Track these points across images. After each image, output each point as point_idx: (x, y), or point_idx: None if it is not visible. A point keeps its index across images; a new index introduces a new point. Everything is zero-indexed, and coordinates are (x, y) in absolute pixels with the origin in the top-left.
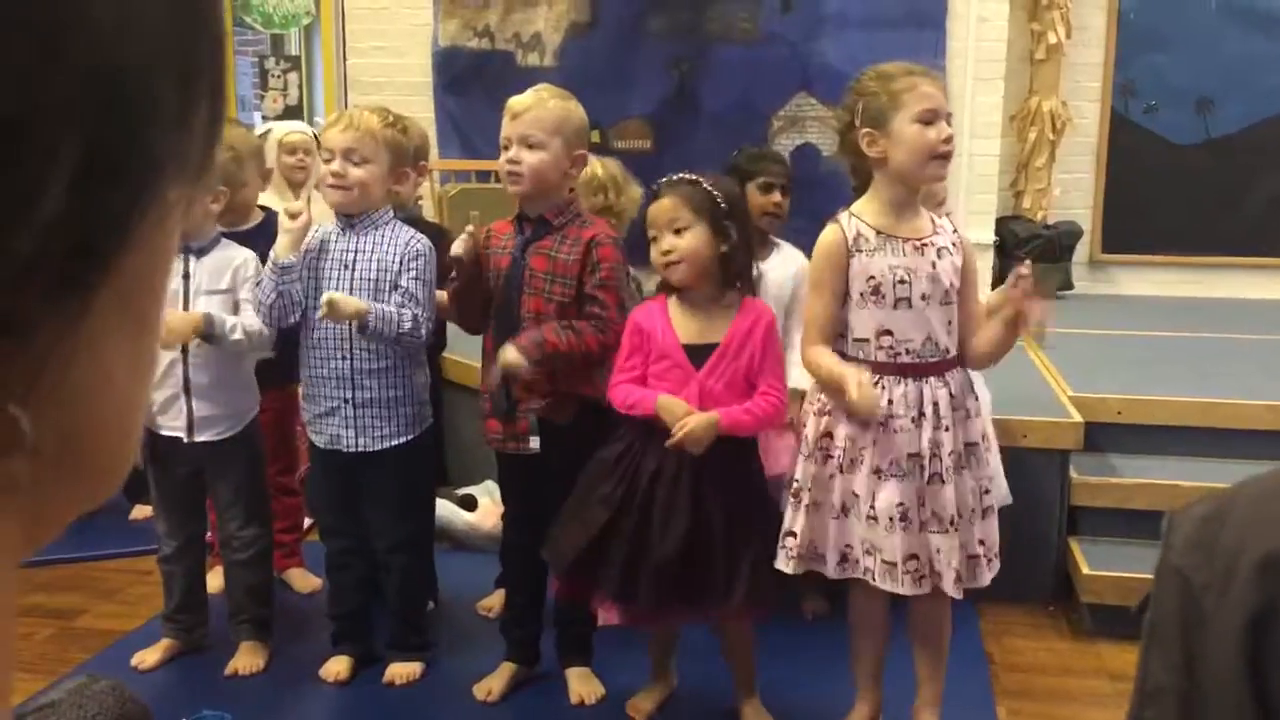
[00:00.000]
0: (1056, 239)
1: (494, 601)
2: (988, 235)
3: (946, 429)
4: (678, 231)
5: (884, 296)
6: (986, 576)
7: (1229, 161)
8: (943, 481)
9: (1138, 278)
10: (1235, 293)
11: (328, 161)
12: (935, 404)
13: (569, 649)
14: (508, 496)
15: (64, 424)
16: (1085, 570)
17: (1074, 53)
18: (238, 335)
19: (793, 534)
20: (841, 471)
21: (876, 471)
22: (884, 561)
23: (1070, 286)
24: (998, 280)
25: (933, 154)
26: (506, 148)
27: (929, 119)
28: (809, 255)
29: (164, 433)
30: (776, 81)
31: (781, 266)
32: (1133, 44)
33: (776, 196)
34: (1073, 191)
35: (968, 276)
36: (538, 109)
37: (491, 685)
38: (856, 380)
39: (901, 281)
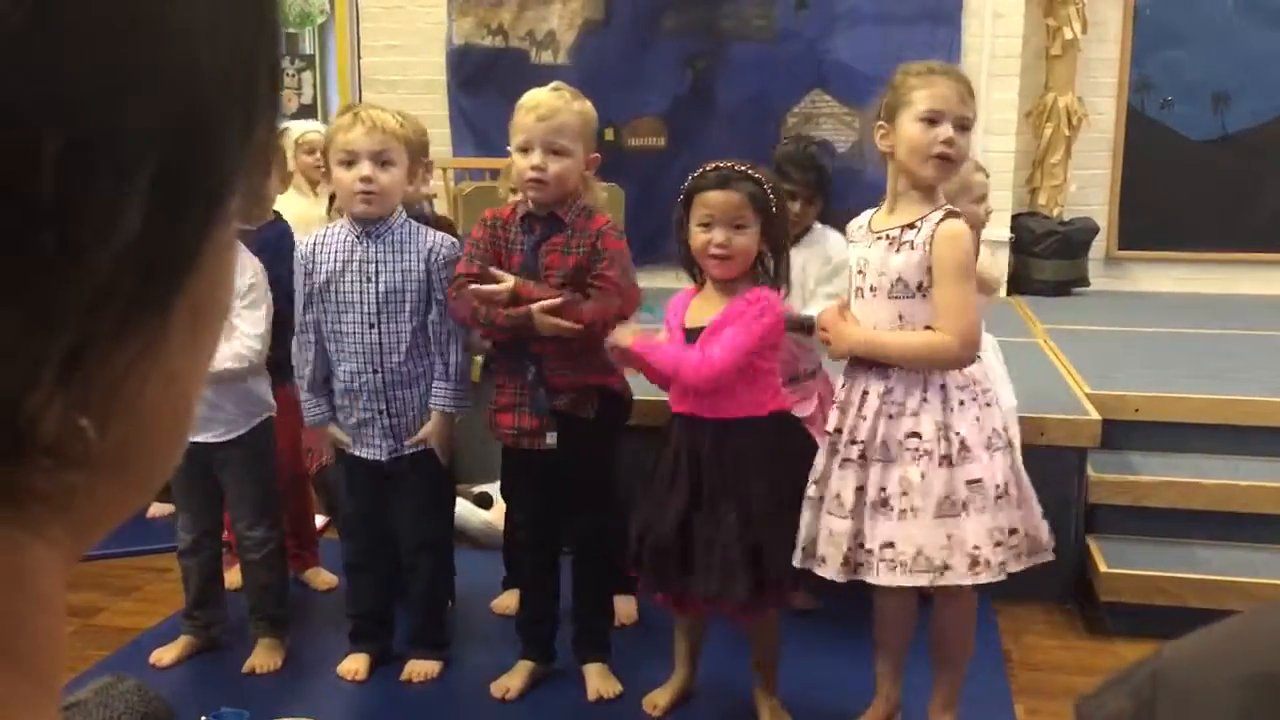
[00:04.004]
0: (1072, 235)
1: (509, 601)
2: (1003, 232)
3: (864, 418)
4: (738, 228)
5: (850, 285)
6: (913, 579)
7: (1245, 157)
8: (843, 467)
9: (1154, 274)
10: (1253, 288)
11: (348, 164)
12: (865, 393)
13: (587, 646)
14: (517, 494)
15: (126, 434)
16: (1103, 568)
17: (1090, 48)
18: (227, 364)
19: (890, 544)
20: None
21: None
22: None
23: (1086, 283)
24: (1014, 277)
25: (928, 154)
26: (526, 150)
27: (932, 119)
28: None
29: None
30: (791, 79)
31: (811, 253)
32: (1149, 39)
33: (796, 206)
34: (1088, 188)
35: (939, 274)
36: (564, 114)
37: (509, 683)
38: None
39: (859, 272)
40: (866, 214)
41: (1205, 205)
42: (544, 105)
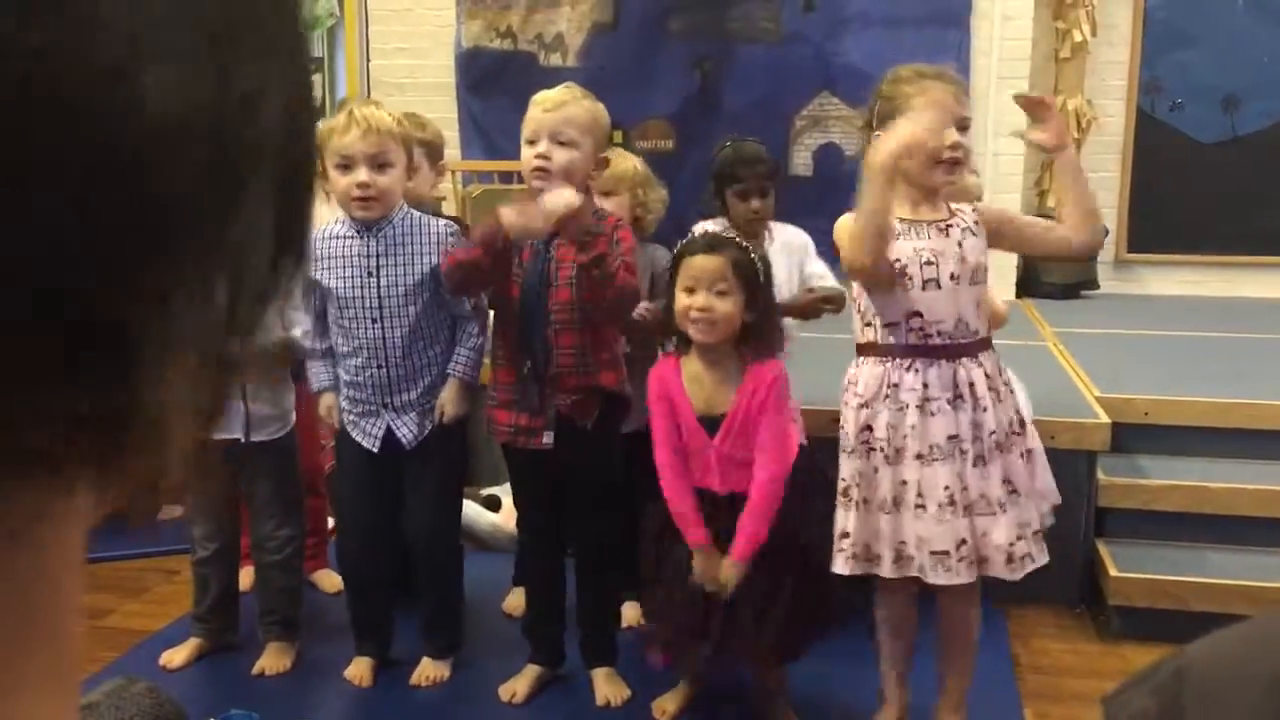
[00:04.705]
0: None
1: (518, 601)
2: None
3: (985, 409)
4: (720, 293)
5: (911, 279)
6: (1045, 554)
7: (1256, 159)
8: (985, 463)
9: (1164, 277)
10: (1263, 292)
11: (344, 168)
12: (971, 384)
13: (594, 650)
14: (523, 497)
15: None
16: (1113, 572)
17: (1099, 51)
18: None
19: (846, 534)
20: (888, 463)
21: (919, 457)
22: (933, 552)
23: (1096, 286)
24: (1022, 280)
25: (935, 159)
26: (533, 142)
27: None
28: (831, 255)
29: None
30: (799, 81)
31: (783, 249)
32: (1158, 42)
33: (755, 203)
34: (1098, 190)
35: (1010, 217)
36: (572, 106)
37: (516, 687)
38: (900, 133)
39: (929, 263)
40: None
41: (1215, 208)
42: (551, 99)
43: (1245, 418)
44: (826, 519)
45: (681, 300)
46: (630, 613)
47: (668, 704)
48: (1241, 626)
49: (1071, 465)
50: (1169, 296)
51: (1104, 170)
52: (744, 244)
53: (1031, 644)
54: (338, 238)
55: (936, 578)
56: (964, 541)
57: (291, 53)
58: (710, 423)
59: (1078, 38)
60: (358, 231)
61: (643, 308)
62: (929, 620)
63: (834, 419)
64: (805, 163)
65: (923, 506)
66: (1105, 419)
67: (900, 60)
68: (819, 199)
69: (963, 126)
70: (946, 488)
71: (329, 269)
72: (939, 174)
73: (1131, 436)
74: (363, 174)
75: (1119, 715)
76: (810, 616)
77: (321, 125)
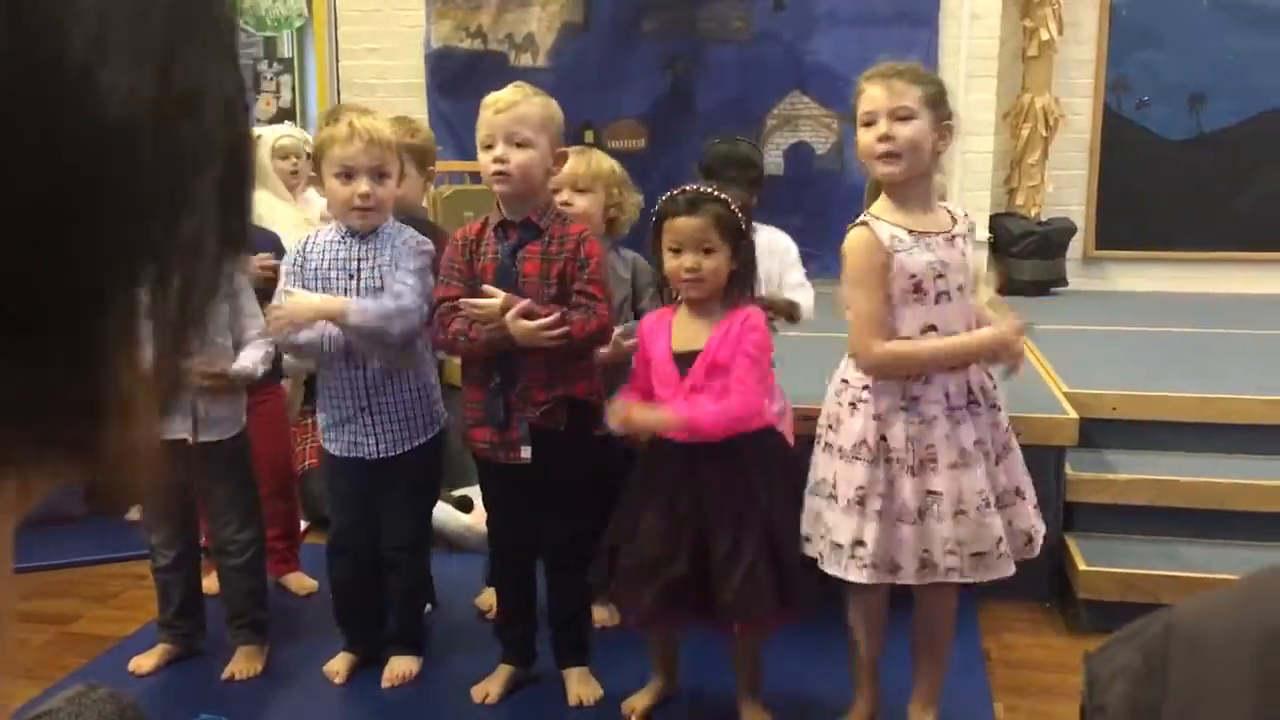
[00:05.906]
0: (1050, 235)
1: (490, 599)
2: (982, 232)
3: (996, 407)
4: (706, 251)
5: (926, 293)
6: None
7: (1222, 157)
8: (998, 462)
9: (1132, 273)
10: (1229, 288)
11: (345, 178)
12: (982, 388)
13: (566, 650)
14: (493, 504)
15: None
16: (1082, 566)
17: (1066, 49)
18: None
19: (862, 543)
20: (912, 474)
21: (954, 466)
22: (974, 554)
23: (1065, 283)
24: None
25: (869, 155)
26: (489, 146)
27: (868, 121)
28: (813, 252)
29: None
30: (770, 80)
31: (766, 250)
32: (1125, 40)
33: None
34: (1066, 188)
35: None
36: (524, 105)
37: (489, 688)
38: (999, 334)
39: (940, 276)
40: (881, 224)
41: (1182, 205)
42: (502, 100)
43: (1213, 412)
44: (796, 505)
45: (670, 262)
46: (601, 613)
47: (637, 703)
48: (1224, 588)
49: (1040, 460)
50: (1136, 293)
51: (1072, 168)
52: (723, 196)
53: (1002, 638)
54: (328, 242)
55: (975, 576)
56: (1001, 539)
57: (228, 54)
58: (683, 359)
59: (1045, 36)
60: (343, 237)
61: (620, 333)
62: (902, 617)
63: (813, 417)
64: (777, 162)
65: (963, 512)
66: (1073, 414)
67: (869, 59)
68: (791, 198)
69: (899, 116)
70: (980, 491)
71: (316, 274)
72: (876, 168)
73: (1100, 431)
74: (364, 185)
75: (1103, 670)
76: (775, 589)
77: (320, 133)
